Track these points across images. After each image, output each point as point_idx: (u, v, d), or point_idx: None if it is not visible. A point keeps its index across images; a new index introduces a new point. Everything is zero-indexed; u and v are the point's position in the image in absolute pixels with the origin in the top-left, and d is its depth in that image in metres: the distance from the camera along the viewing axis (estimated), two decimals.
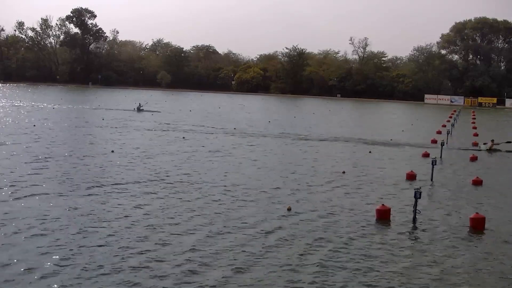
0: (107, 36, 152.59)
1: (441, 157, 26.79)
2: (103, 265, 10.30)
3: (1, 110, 47.35)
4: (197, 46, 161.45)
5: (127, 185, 17.48)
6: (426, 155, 28.09)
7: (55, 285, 9.31)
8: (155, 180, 18.54)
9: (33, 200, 14.94)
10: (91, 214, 13.84)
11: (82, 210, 14.12)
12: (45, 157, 22.28)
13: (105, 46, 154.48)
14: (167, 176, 19.35)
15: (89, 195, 15.89)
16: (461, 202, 17.53)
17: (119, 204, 14.91)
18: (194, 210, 14.69)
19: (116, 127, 36.49)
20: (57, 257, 10.60)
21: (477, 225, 14.06)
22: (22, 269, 9.92)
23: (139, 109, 52.66)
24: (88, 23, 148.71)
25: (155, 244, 11.69)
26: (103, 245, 11.42)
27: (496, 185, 20.88)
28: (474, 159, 27.65)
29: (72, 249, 11.07)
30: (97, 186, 17.08)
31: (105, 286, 9.43)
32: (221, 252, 11.42)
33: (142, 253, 11.06)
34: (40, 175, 18.40)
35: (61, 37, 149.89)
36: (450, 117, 63.79)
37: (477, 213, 14.51)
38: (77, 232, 12.24)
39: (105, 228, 12.67)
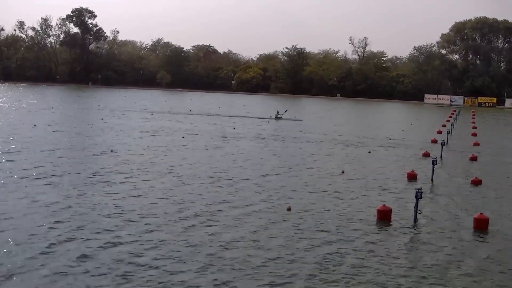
0: (107, 36, 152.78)
1: (441, 157, 26.75)
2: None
3: (1, 110, 47.30)
4: (197, 46, 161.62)
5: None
6: (426, 155, 28.04)
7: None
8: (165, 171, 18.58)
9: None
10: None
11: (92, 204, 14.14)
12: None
13: (105, 46, 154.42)
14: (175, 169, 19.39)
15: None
16: (462, 202, 17.47)
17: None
18: (192, 208, 14.66)
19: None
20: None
21: (481, 226, 13.98)
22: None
23: (277, 117, 50.49)
24: (88, 22, 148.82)
25: (151, 237, 11.69)
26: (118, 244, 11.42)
27: (495, 185, 20.83)
28: (473, 159, 27.60)
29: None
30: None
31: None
32: (219, 251, 11.38)
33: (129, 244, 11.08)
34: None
35: (61, 36, 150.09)
36: (450, 117, 63.79)
37: (481, 213, 14.44)
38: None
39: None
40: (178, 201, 15.56)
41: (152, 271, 10.17)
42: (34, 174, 18.52)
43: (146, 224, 13.18)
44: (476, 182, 20.65)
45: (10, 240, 11.51)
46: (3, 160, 21.08)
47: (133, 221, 13.34)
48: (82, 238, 11.86)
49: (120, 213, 14.01)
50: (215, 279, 9.92)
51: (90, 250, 11.15)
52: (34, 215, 13.48)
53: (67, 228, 12.56)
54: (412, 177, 21.01)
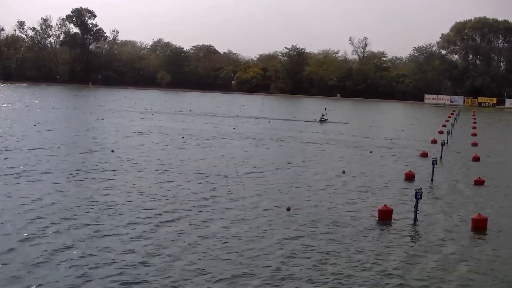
0: (107, 36, 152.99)
1: (441, 157, 26.76)
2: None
3: (1, 110, 47.32)
4: (197, 46, 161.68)
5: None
6: (424, 154, 28.07)
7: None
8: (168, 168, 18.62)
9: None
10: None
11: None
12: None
13: (105, 46, 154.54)
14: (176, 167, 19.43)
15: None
16: (462, 202, 17.48)
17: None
18: (192, 208, 14.68)
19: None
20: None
21: (479, 226, 14.00)
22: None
23: (321, 120, 49.35)
24: (88, 23, 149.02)
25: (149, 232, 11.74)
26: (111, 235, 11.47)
27: (498, 186, 20.82)
28: (476, 159, 27.59)
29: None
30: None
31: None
32: (218, 252, 11.39)
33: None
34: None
35: (61, 37, 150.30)
36: (450, 117, 63.81)
37: (479, 214, 14.46)
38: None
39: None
40: (176, 199, 15.61)
41: (140, 266, 10.25)
42: (31, 171, 18.71)
43: (138, 220, 13.29)
44: (479, 182, 20.63)
45: None
46: (2, 158, 21.21)
47: (123, 217, 13.48)
48: (70, 233, 12.09)
49: (113, 210, 14.13)
50: (212, 278, 9.95)
51: (77, 244, 11.35)
52: (22, 210, 13.79)
53: (55, 221, 12.89)
54: (409, 177, 21.01)
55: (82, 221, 13.04)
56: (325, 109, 52.71)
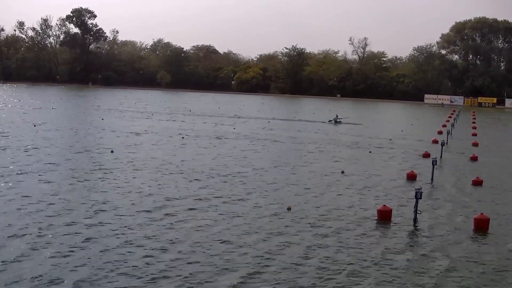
0: (107, 36, 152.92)
1: (441, 157, 26.73)
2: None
3: (0, 111, 47.30)
4: (197, 46, 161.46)
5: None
6: (426, 155, 28.03)
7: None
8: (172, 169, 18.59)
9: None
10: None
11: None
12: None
13: (105, 46, 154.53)
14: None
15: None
16: (462, 202, 17.47)
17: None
18: (190, 207, 14.66)
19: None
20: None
21: (481, 226, 13.93)
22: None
23: (336, 121, 49.40)
24: (88, 23, 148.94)
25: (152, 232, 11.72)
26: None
27: (496, 185, 20.80)
28: (474, 159, 27.60)
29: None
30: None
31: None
32: (219, 252, 11.36)
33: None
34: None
35: (61, 37, 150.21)
36: (450, 117, 63.77)
37: (482, 214, 14.40)
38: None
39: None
40: (174, 198, 15.60)
41: (134, 263, 10.22)
42: (31, 170, 18.68)
43: (134, 218, 13.31)
44: (477, 183, 20.61)
45: None
46: (0, 158, 21.20)
47: (119, 216, 13.48)
48: (65, 231, 12.16)
49: (110, 209, 14.16)
50: (192, 275, 9.92)
51: (73, 244, 11.26)
52: (15, 208, 13.88)
53: (53, 220, 12.96)
54: (411, 177, 20.99)
55: (76, 219, 13.06)
56: (336, 115, 52.06)
